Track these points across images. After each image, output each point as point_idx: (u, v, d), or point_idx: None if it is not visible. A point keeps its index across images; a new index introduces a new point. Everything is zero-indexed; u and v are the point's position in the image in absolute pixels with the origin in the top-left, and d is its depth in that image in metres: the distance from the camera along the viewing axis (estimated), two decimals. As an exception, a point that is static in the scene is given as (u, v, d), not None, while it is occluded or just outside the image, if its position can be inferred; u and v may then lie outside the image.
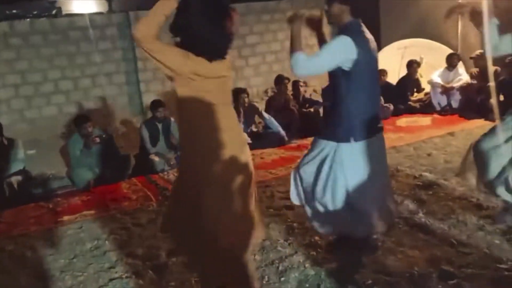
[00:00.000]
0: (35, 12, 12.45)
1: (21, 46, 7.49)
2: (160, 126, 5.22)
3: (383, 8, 8.90)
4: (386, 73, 7.04)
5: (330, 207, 2.46)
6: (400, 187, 3.78)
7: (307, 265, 2.61)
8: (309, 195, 2.56)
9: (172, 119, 5.29)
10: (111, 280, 2.72)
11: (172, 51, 1.94)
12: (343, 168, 2.39)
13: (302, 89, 6.57)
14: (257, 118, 5.98)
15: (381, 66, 7.70)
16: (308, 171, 2.53)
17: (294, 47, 2.33)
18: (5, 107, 7.36)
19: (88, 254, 3.13)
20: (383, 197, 2.59)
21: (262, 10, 8.88)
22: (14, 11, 12.28)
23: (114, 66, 8.07)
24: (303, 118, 6.16)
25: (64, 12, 14.04)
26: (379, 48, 8.53)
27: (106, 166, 4.86)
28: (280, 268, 2.63)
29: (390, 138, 5.60)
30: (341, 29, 2.39)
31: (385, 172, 2.67)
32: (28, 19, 8.05)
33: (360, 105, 2.39)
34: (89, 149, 4.78)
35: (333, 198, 2.44)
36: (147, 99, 7.94)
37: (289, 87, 6.54)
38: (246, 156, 2.07)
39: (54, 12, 13.26)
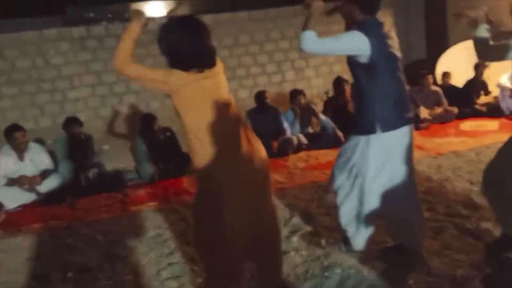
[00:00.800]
0: (110, 16, 13.37)
1: (97, 48, 8.13)
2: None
3: (450, 5, 8.62)
4: (449, 75, 6.84)
5: (360, 209, 2.57)
6: (454, 191, 3.73)
7: (350, 262, 2.70)
8: (341, 196, 2.67)
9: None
10: (169, 264, 2.98)
11: (151, 73, 2.05)
12: (368, 161, 2.46)
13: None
14: (314, 119, 6.07)
15: (447, 66, 7.57)
16: (339, 169, 2.64)
17: (306, 26, 2.39)
18: (83, 105, 8.03)
19: (150, 240, 3.43)
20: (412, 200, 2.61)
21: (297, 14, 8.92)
22: (91, 14, 13.27)
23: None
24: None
25: (136, 15, 14.93)
26: (446, 47, 8.32)
27: (170, 161, 5.21)
28: (325, 263, 2.74)
29: (451, 142, 5.48)
30: (356, 26, 2.44)
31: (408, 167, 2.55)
32: (103, 24, 8.66)
33: (382, 96, 2.42)
34: (154, 145, 5.15)
35: (361, 198, 2.55)
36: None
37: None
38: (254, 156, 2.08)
39: (127, 16, 14.14)
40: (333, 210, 3.56)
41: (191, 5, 16.88)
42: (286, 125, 5.69)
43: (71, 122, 5.24)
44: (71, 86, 8.01)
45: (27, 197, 4.60)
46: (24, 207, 4.56)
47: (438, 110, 6.42)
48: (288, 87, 7.08)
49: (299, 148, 5.60)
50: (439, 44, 8.84)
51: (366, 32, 2.34)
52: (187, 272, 2.83)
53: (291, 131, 5.70)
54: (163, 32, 2.09)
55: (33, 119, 7.79)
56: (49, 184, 4.76)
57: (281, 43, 8.89)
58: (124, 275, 2.93)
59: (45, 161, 4.91)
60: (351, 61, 2.48)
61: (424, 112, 6.23)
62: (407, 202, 2.54)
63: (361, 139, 2.49)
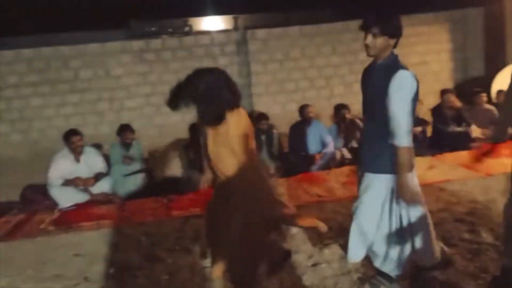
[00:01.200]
0: (170, 30, 14.01)
1: (154, 61, 8.56)
2: (263, 137, 5.60)
3: (510, 22, 8.28)
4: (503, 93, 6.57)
5: None
6: (499, 214, 3.58)
7: (381, 278, 2.67)
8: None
9: (275, 131, 5.64)
10: (204, 268, 3.10)
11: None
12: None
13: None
14: (358, 134, 6.02)
15: (503, 85, 7.23)
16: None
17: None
18: (138, 113, 8.46)
19: (189, 244, 3.57)
20: None
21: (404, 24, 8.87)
22: (152, 28, 13.96)
23: (230, 80, 8.74)
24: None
25: (194, 30, 15.52)
26: (504, 65, 7.98)
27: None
28: (355, 278, 2.74)
29: (503, 163, 5.21)
30: (392, 63, 2.34)
31: None
32: (161, 38, 9.11)
33: None
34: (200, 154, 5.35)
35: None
36: (258, 112, 8.52)
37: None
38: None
39: (186, 30, 14.75)
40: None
41: (246, 20, 17.31)
42: (329, 139, 5.69)
43: (124, 129, 5.56)
44: (128, 96, 8.47)
45: (81, 197, 4.93)
46: (78, 206, 4.88)
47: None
48: (336, 102, 7.09)
49: (342, 162, 5.58)
50: (497, 61, 8.49)
51: (407, 69, 2.31)
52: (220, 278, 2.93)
53: (335, 145, 5.70)
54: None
55: (93, 125, 8.29)
56: (101, 186, 5.08)
57: (332, 58, 8.91)
58: (161, 276, 3.07)
59: (99, 165, 5.23)
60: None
61: (476, 131, 6.01)
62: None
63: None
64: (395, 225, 2.48)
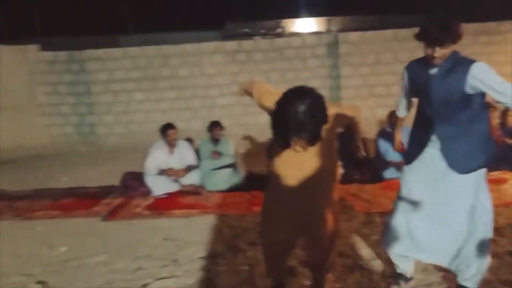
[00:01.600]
0: (262, 31, 14.37)
1: (245, 61, 8.86)
2: (347, 139, 5.55)
3: None
4: None
5: None
6: None
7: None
8: None
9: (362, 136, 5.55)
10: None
11: None
12: None
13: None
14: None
15: None
16: None
17: None
18: (228, 111, 8.83)
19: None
20: None
21: (479, 31, 8.33)
22: (246, 30, 14.44)
23: (319, 82, 8.77)
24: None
25: (286, 31, 15.74)
26: None
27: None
28: (437, 290, 2.66)
29: None
30: (458, 61, 2.31)
31: None
32: (253, 39, 9.39)
33: None
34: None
35: None
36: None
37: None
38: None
39: (278, 31, 15.03)
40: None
41: (339, 22, 17.13)
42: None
43: (214, 125, 5.86)
44: (220, 94, 8.87)
45: (172, 187, 5.31)
46: (169, 194, 5.26)
47: None
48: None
49: None
50: None
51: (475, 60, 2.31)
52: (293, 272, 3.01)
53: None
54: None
55: (186, 120, 8.83)
56: (191, 178, 5.41)
57: (393, 66, 8.55)
58: (241, 266, 3.23)
59: (190, 158, 5.58)
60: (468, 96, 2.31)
61: None
62: None
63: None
64: (481, 231, 2.38)
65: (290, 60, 8.82)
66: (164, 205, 4.85)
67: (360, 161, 5.60)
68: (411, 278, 2.77)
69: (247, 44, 9.14)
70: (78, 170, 7.10)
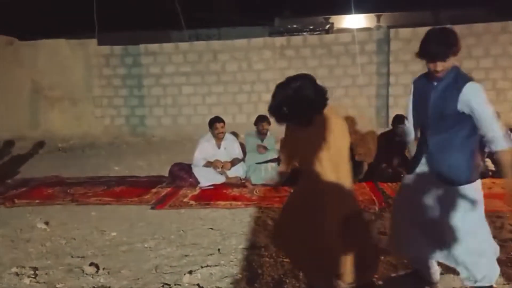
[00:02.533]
0: (311, 27, 14.28)
1: (293, 57, 8.85)
2: (396, 138, 5.44)
3: None
4: None
5: None
6: None
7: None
8: None
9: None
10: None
11: None
12: None
13: None
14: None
15: None
16: None
17: None
18: (273, 107, 8.86)
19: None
20: None
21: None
22: (295, 26, 14.39)
23: (367, 79, 8.62)
24: None
25: (335, 28, 15.54)
26: None
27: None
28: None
29: None
30: (457, 75, 2.38)
31: None
32: (301, 35, 9.36)
33: None
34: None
35: None
36: (394, 113, 8.23)
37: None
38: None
39: (327, 27, 14.88)
40: (508, 243, 3.29)
41: (389, 18, 16.70)
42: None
43: (262, 120, 5.91)
44: (266, 90, 8.92)
45: (218, 178, 5.43)
46: (215, 186, 5.38)
47: None
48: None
49: (485, 174, 5.14)
50: None
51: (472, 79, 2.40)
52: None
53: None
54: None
55: (232, 115, 8.95)
56: (236, 170, 5.51)
57: (483, 61, 8.18)
58: (284, 258, 3.27)
59: (236, 151, 5.68)
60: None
61: None
62: None
63: None
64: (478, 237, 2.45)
65: (338, 56, 8.72)
66: (210, 196, 4.97)
67: (407, 160, 5.49)
68: (435, 283, 2.74)
69: (295, 39, 9.11)
70: (128, 159, 7.39)
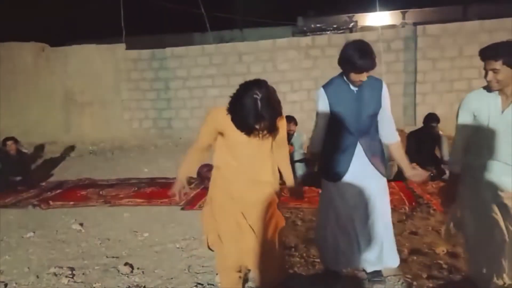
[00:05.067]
0: (335, 26, 14.18)
1: (318, 57, 8.82)
2: (428, 137, 5.37)
3: None
4: None
5: None
6: None
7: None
8: None
9: (441, 132, 5.35)
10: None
11: None
12: None
13: None
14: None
15: None
16: None
17: None
18: (299, 107, 8.86)
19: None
20: None
21: None
22: (318, 25, 14.32)
23: (394, 77, 8.51)
24: None
25: (359, 26, 15.39)
26: None
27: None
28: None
29: None
30: (373, 77, 2.60)
31: None
32: (326, 34, 9.31)
33: None
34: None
35: None
36: (421, 111, 8.10)
37: None
38: None
39: (351, 25, 14.75)
40: None
41: (415, 14, 16.43)
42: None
43: (288, 121, 5.89)
44: (291, 90, 8.92)
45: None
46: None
47: None
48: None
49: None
50: None
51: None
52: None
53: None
54: None
55: (256, 116, 8.98)
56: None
57: None
58: (315, 258, 3.27)
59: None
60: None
61: None
62: None
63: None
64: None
65: (379, 54, 8.59)
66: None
67: (438, 159, 5.41)
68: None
69: (320, 39, 9.08)
70: (157, 161, 7.52)
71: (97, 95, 9.71)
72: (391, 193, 4.75)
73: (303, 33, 13.12)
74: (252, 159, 2.41)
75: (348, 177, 2.67)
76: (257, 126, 2.21)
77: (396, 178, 5.36)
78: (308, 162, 5.72)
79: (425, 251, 3.30)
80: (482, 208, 2.42)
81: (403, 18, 17.13)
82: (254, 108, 2.16)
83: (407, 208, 4.32)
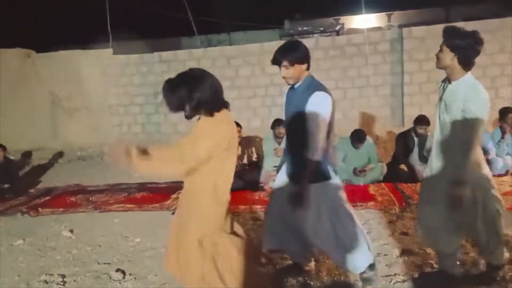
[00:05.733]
0: (321, 29, 14.27)
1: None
2: (416, 139, 5.44)
3: None
4: None
5: None
6: None
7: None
8: None
9: (429, 133, 5.42)
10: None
11: None
12: None
13: None
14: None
15: None
16: None
17: None
18: (288, 109, 8.89)
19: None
20: None
21: None
22: (305, 28, 14.40)
23: (381, 79, 8.59)
24: None
25: (345, 28, 15.51)
26: None
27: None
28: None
29: None
30: (309, 84, 2.57)
31: None
32: (313, 37, 9.36)
33: None
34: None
35: None
36: (409, 112, 8.20)
37: None
38: None
39: (337, 28, 14.86)
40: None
41: (401, 17, 16.60)
42: (490, 145, 5.25)
43: (278, 124, 5.94)
44: (280, 93, 8.95)
45: (236, 184, 5.45)
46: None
47: None
48: (503, 105, 6.43)
49: (506, 171, 5.11)
50: None
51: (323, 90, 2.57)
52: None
53: (497, 152, 5.23)
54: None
55: (246, 119, 8.98)
56: (254, 175, 5.55)
57: (498, 56, 8.10)
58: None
59: (253, 155, 5.72)
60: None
61: None
62: None
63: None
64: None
65: (351, 57, 8.69)
66: (231, 200, 4.99)
67: (426, 159, 5.47)
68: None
69: (307, 42, 9.07)
70: (147, 166, 7.46)
71: (84, 100, 9.63)
72: (381, 194, 4.83)
73: (290, 36, 13.15)
74: None
75: (279, 177, 2.79)
76: None
77: (386, 180, 5.43)
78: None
79: (416, 251, 3.33)
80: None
81: (389, 20, 17.32)
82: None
83: (397, 209, 4.37)
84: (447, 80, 2.61)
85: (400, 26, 9.56)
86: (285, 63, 2.53)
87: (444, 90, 2.62)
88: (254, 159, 6.08)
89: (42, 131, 9.60)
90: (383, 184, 5.25)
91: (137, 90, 9.53)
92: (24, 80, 9.55)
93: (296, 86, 2.61)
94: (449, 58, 2.50)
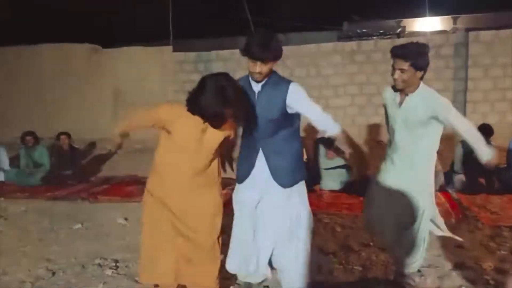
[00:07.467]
0: (381, 31, 13.91)
1: (363, 62, 8.68)
2: (461, 149, 5.20)
3: None
4: None
5: None
6: None
7: None
8: None
9: (493, 143, 5.13)
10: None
11: None
12: None
13: None
14: None
15: None
16: None
17: None
18: (342, 112, 8.75)
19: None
20: None
21: None
22: (364, 30, 14.10)
23: (443, 84, 8.24)
24: None
25: (407, 31, 15.02)
26: None
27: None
28: None
29: None
30: (278, 80, 2.49)
31: None
32: (372, 40, 9.15)
33: None
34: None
35: None
36: (472, 120, 7.79)
37: None
38: None
39: (398, 31, 14.42)
40: None
41: (468, 20, 15.85)
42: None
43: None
44: (335, 95, 8.84)
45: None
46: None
47: None
48: None
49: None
50: None
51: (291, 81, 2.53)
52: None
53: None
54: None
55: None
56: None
57: None
58: (354, 266, 3.23)
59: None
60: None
61: None
62: None
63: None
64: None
65: (446, 58, 8.34)
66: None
67: (488, 170, 5.18)
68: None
69: (366, 44, 8.93)
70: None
71: (144, 96, 10.01)
72: (437, 204, 4.62)
73: (348, 38, 12.95)
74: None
75: (247, 183, 2.59)
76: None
77: (442, 189, 5.21)
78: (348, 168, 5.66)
79: (470, 265, 3.18)
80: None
81: (454, 23, 16.55)
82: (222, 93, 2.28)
83: (453, 220, 4.17)
84: (399, 92, 2.64)
85: (467, 30, 9.09)
86: (264, 59, 2.36)
87: (397, 102, 2.65)
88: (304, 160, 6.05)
89: (104, 123, 10.09)
90: (439, 194, 5.03)
91: (193, 87, 9.77)
92: (90, 74, 10.08)
93: (263, 81, 2.45)
94: (415, 75, 2.51)
